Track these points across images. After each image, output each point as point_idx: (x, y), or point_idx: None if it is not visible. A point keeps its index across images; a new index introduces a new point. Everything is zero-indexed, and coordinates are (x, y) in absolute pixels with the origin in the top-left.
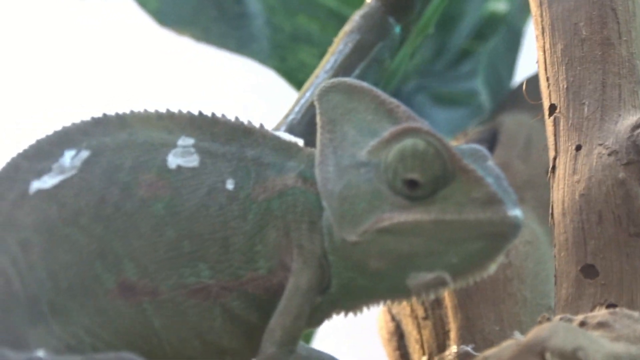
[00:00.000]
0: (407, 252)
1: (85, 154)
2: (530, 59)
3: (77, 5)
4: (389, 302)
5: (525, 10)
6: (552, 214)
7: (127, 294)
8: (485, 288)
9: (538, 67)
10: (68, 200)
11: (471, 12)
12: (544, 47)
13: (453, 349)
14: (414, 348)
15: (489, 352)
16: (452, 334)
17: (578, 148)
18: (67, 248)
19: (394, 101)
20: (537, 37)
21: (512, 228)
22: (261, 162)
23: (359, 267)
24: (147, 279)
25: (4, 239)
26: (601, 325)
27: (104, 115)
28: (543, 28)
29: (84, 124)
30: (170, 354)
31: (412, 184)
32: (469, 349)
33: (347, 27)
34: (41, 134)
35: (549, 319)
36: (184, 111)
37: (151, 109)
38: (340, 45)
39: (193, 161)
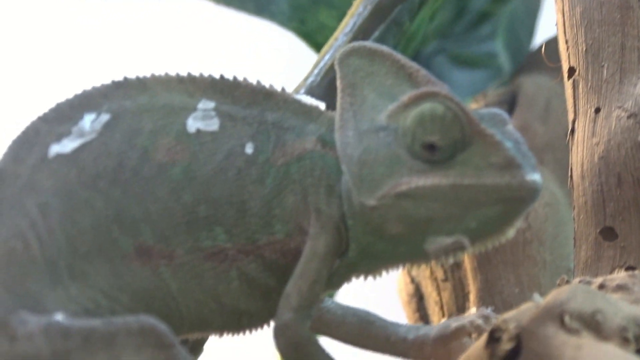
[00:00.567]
0: (425, 217)
1: (105, 117)
2: (549, 22)
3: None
4: (407, 265)
5: None
6: (571, 176)
7: (143, 257)
8: (505, 250)
9: (557, 29)
10: (87, 164)
11: None
12: (563, 9)
13: (472, 311)
14: (433, 310)
15: (508, 314)
16: (472, 296)
17: (597, 111)
18: (86, 212)
19: (414, 65)
20: None
21: (531, 192)
22: (281, 126)
23: (377, 232)
24: (163, 243)
25: (23, 202)
26: (620, 287)
27: (125, 78)
28: None
29: (104, 87)
30: (187, 316)
31: (430, 147)
32: (488, 311)
33: None
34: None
35: (567, 282)
36: (205, 74)
37: (172, 73)
38: (359, 7)
39: (213, 125)
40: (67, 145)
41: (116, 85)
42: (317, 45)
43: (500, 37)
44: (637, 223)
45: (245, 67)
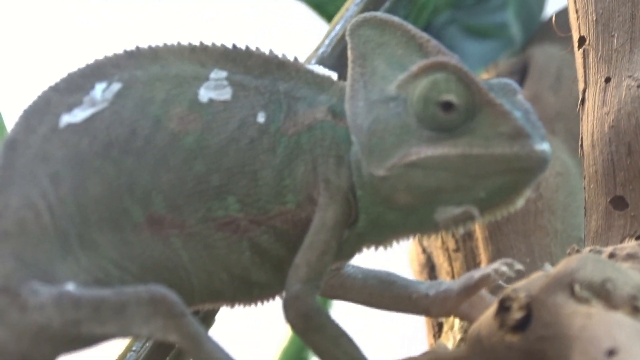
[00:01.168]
0: (434, 187)
1: (116, 86)
2: None
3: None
4: (417, 235)
5: None
6: (581, 146)
7: (155, 227)
8: (516, 220)
9: None
10: (99, 133)
11: None
12: None
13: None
14: (444, 280)
15: (519, 284)
16: (483, 266)
17: (607, 80)
18: (97, 181)
19: (425, 35)
20: None
21: (539, 162)
22: (293, 96)
23: (387, 202)
24: (175, 212)
25: (34, 172)
26: (630, 256)
27: (137, 48)
28: None
29: (116, 56)
30: (198, 287)
31: (447, 106)
32: (500, 282)
33: None
34: None
35: (578, 251)
36: (218, 44)
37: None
38: None
39: (225, 94)
40: (78, 115)
41: (128, 55)
42: (328, 16)
43: (511, 8)
44: None
45: (257, 38)
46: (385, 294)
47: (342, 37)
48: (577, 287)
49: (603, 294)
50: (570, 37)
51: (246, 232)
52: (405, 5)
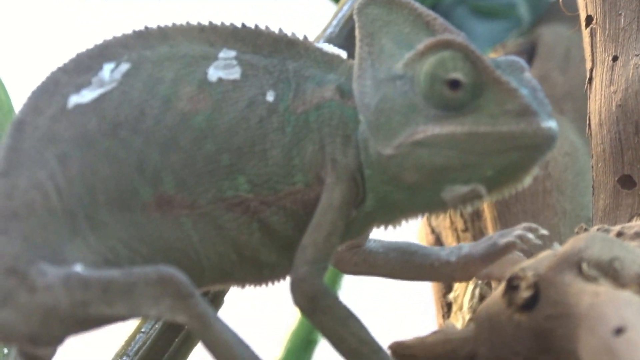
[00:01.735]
0: (441, 165)
1: (125, 66)
2: None
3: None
4: (426, 214)
5: None
6: (589, 125)
7: (165, 207)
8: (525, 200)
9: None
10: (107, 113)
11: None
12: None
13: None
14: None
15: (526, 263)
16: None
17: (615, 59)
18: (106, 161)
19: (432, 13)
20: None
21: (546, 139)
22: (302, 75)
23: (394, 181)
24: (185, 192)
25: (42, 153)
26: (638, 235)
27: (145, 28)
28: None
29: (124, 37)
30: (208, 268)
31: (454, 84)
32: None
33: None
34: None
35: (586, 230)
36: (227, 23)
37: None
38: None
39: (234, 73)
40: (86, 96)
41: (136, 35)
42: None
43: None
44: None
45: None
46: (408, 265)
47: (350, 17)
48: (584, 266)
49: (611, 272)
50: (578, 17)
51: (256, 213)
52: None
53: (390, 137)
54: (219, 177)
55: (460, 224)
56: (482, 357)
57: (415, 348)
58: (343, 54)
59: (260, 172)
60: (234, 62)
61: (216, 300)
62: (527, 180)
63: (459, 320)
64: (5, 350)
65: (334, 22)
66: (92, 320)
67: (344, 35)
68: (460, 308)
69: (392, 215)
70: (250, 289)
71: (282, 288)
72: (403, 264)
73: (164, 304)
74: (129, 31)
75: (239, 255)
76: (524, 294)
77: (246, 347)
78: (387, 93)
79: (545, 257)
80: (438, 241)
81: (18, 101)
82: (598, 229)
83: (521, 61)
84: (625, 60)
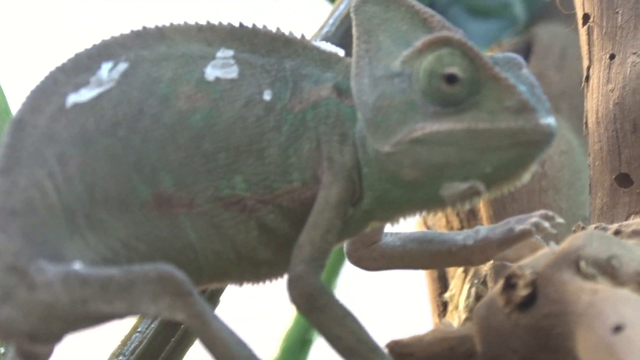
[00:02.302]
0: (440, 162)
1: (123, 66)
2: None
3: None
4: (424, 212)
5: None
6: (586, 123)
7: (163, 206)
8: (521, 199)
9: None
10: (106, 112)
11: None
12: None
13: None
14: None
15: (524, 261)
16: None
17: (612, 57)
18: (104, 160)
19: (429, 11)
20: None
21: (545, 136)
22: (299, 73)
23: (393, 178)
24: (183, 191)
25: (41, 152)
26: (636, 233)
27: (143, 27)
28: None
29: (122, 37)
30: (206, 266)
31: (451, 79)
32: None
33: None
34: None
35: (583, 228)
36: (224, 23)
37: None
38: None
39: (232, 72)
40: (84, 95)
41: (134, 35)
42: None
43: None
44: None
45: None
46: (426, 254)
47: (346, 16)
48: (582, 264)
49: (609, 270)
50: (573, 16)
51: (253, 212)
52: None
53: (388, 135)
54: (216, 176)
55: (456, 223)
56: (480, 355)
57: (412, 346)
58: (340, 52)
59: (257, 171)
60: (232, 61)
61: (212, 300)
62: (526, 177)
63: (455, 319)
64: (2, 350)
65: (330, 22)
66: (91, 318)
67: (340, 35)
68: (456, 307)
69: (390, 212)
70: (246, 288)
71: (277, 287)
72: (421, 254)
73: (163, 302)
74: (127, 31)
75: (237, 253)
76: (522, 292)
77: (244, 346)
78: (385, 90)
79: (543, 255)
80: None
81: (16, 101)
82: (596, 227)
83: (519, 58)
84: (623, 58)
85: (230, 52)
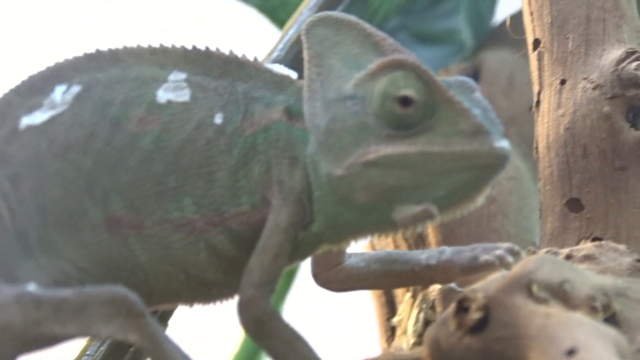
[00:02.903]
0: (393, 185)
1: (76, 89)
2: None
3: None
4: (376, 235)
5: None
6: (536, 148)
7: (113, 228)
8: (469, 223)
9: (522, 1)
10: (58, 135)
11: None
12: None
13: (437, 285)
14: (387, 289)
15: (476, 285)
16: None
17: (562, 82)
18: (57, 183)
19: (381, 34)
20: None
21: (499, 159)
22: (251, 96)
23: (345, 202)
24: (133, 213)
25: None
26: (587, 258)
27: (97, 50)
28: None
29: (76, 59)
30: (156, 287)
31: (405, 101)
32: (453, 285)
33: None
34: None
35: (534, 252)
36: (178, 46)
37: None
38: None
39: (184, 95)
40: (38, 117)
41: (88, 58)
42: (279, 21)
43: (462, 13)
44: (603, 194)
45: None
46: (390, 274)
47: (296, 41)
48: (535, 288)
49: (561, 294)
50: (521, 42)
51: (203, 233)
52: (358, 10)
53: (341, 158)
54: (166, 199)
55: (404, 248)
56: None
57: None
58: (293, 75)
59: (207, 193)
60: (184, 84)
61: (161, 323)
62: (480, 200)
63: (403, 344)
64: None
65: (280, 46)
66: (44, 339)
67: (290, 60)
68: (405, 332)
69: (341, 235)
70: (193, 312)
71: (224, 312)
72: (385, 275)
73: (116, 323)
74: (81, 54)
75: (187, 274)
76: (474, 315)
77: None
78: (338, 113)
79: (494, 279)
80: None
81: None
82: (547, 252)
83: (471, 81)
84: (574, 83)
85: (182, 75)
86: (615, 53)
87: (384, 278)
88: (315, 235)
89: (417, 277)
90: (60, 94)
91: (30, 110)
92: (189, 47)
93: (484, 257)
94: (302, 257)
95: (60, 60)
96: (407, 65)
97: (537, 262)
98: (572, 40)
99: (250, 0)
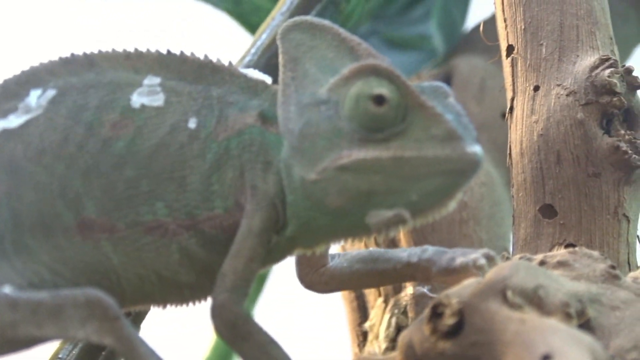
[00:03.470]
0: (366, 190)
1: (51, 93)
2: (482, 2)
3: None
4: (349, 239)
5: None
6: (510, 154)
7: (86, 232)
8: (441, 229)
9: (495, 8)
10: (33, 139)
11: None
12: None
13: (409, 290)
14: (369, 290)
15: (451, 290)
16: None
17: (536, 89)
18: (31, 187)
19: (355, 38)
20: None
21: (471, 164)
22: (226, 101)
23: (318, 206)
24: (105, 216)
25: None
26: (561, 264)
27: (72, 55)
28: None
29: (51, 63)
30: (129, 289)
31: (379, 100)
32: (425, 290)
33: None
34: None
35: (508, 258)
36: (152, 50)
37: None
38: None
39: (158, 100)
40: (13, 121)
41: (63, 62)
42: (250, 27)
43: (434, 19)
44: (576, 200)
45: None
46: (372, 273)
47: (268, 46)
48: (509, 294)
49: (535, 300)
50: (493, 48)
51: (175, 236)
52: (331, 15)
53: (314, 162)
54: (138, 202)
55: None
56: None
57: None
58: (267, 80)
59: (179, 197)
60: (158, 88)
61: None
62: (452, 205)
63: (375, 349)
64: None
65: (252, 51)
66: (20, 341)
67: (262, 65)
68: (377, 337)
69: (314, 239)
70: (164, 318)
71: (196, 315)
72: (368, 274)
73: (92, 326)
74: (55, 58)
75: (159, 276)
76: (449, 320)
77: None
78: (311, 118)
79: (469, 285)
80: None
81: None
82: (520, 258)
83: (445, 87)
84: (547, 89)
85: (157, 80)
86: (588, 60)
87: (367, 277)
88: (288, 240)
89: (398, 274)
90: (36, 98)
91: (5, 114)
92: (164, 52)
93: (460, 260)
94: (276, 261)
95: (36, 64)
96: (380, 70)
97: (512, 268)
98: (546, 46)
99: (221, 5)
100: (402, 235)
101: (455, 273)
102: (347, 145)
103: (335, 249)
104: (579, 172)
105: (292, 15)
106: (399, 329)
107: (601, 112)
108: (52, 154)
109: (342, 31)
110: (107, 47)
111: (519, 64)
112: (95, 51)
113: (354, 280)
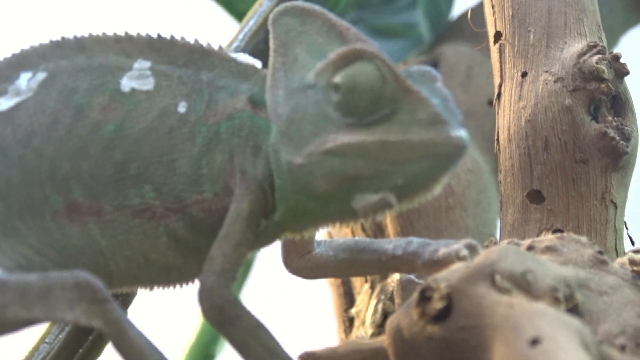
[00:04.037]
0: (352, 174)
1: (41, 76)
2: None
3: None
4: (336, 223)
5: None
6: (497, 140)
7: (73, 214)
8: (428, 216)
9: None
10: (22, 122)
11: None
12: None
13: (395, 276)
14: (356, 277)
15: (439, 274)
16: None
17: (524, 75)
18: (20, 169)
19: (345, 23)
20: None
21: (456, 148)
22: (215, 85)
23: (305, 190)
24: (93, 199)
25: None
26: (549, 249)
27: (62, 38)
28: None
29: (41, 47)
30: (116, 272)
31: (365, 84)
32: (411, 276)
33: None
34: None
35: (496, 243)
36: (143, 34)
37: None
38: None
39: (148, 84)
40: (3, 104)
41: (54, 45)
42: (237, 14)
43: (420, 7)
44: (563, 186)
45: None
46: (357, 262)
47: (256, 32)
48: (498, 278)
49: (524, 284)
50: (480, 35)
51: (162, 219)
52: (317, 2)
53: (301, 146)
54: (126, 185)
55: None
56: None
57: (326, 358)
58: (257, 64)
59: (167, 180)
60: (148, 72)
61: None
62: (437, 190)
63: (362, 334)
64: None
65: (240, 37)
66: (8, 324)
67: (250, 50)
68: (363, 323)
69: (302, 224)
70: (147, 303)
71: (179, 303)
72: (353, 263)
73: (80, 308)
74: (46, 41)
75: (146, 259)
76: (437, 305)
77: (160, 355)
78: (299, 102)
79: (457, 269)
80: None
81: None
82: (508, 243)
83: (433, 71)
84: (535, 76)
85: (147, 64)
86: (576, 46)
87: (352, 267)
88: (276, 224)
89: (383, 266)
90: (26, 81)
91: None
92: (154, 36)
93: (442, 251)
94: (264, 244)
95: (26, 47)
96: (367, 54)
97: (500, 253)
98: (534, 33)
99: None
100: (388, 221)
101: (438, 265)
102: (333, 129)
103: (322, 234)
104: (567, 158)
105: (279, 2)
106: (385, 315)
107: (589, 99)
108: (42, 137)
109: (332, 16)
110: (97, 31)
111: (507, 50)
112: (86, 35)
113: (340, 269)
